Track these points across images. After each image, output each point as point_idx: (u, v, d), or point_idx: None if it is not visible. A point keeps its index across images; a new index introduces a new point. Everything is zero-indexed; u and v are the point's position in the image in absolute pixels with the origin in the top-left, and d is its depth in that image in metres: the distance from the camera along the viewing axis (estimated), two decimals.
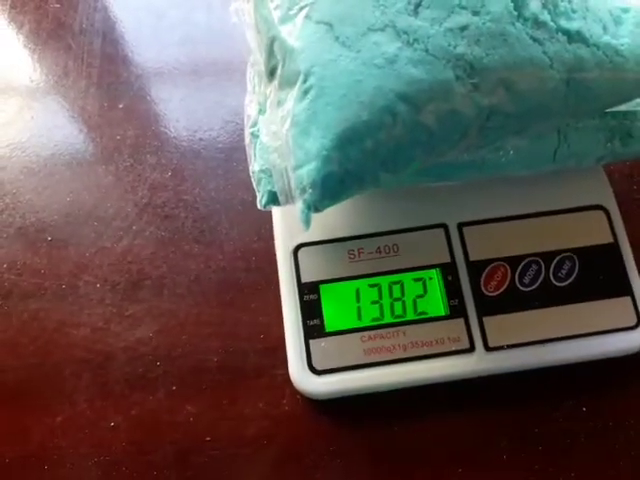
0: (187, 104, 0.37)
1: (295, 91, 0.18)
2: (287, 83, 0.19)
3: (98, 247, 0.32)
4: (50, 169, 0.35)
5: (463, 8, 0.20)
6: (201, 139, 0.36)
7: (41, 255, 0.32)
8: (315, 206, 0.19)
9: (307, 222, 0.20)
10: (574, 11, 0.22)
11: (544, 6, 0.21)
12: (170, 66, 0.39)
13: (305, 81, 0.18)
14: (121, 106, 0.37)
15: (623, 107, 0.27)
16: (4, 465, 0.28)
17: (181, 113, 0.37)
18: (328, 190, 0.19)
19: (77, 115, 0.36)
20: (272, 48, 0.19)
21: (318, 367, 0.27)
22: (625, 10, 0.24)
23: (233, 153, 0.35)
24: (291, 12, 0.19)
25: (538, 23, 0.21)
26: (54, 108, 0.37)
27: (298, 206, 0.19)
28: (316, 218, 0.30)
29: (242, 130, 0.35)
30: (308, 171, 0.18)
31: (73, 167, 0.35)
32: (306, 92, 0.18)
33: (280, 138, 0.19)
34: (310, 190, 0.18)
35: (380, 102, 0.18)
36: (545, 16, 0.21)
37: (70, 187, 0.34)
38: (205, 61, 0.39)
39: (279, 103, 0.19)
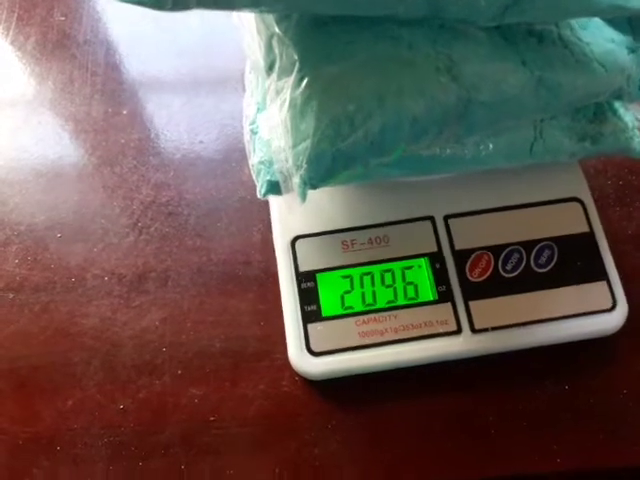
0: (187, 109, 0.39)
1: (292, 78, 0.21)
2: (284, 72, 0.21)
3: (105, 243, 0.34)
4: (58, 171, 0.37)
5: None
6: (201, 142, 0.38)
7: (51, 251, 0.34)
8: (310, 181, 0.21)
9: (303, 196, 0.22)
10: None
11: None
12: (170, 74, 0.41)
13: (301, 69, 0.21)
14: (125, 112, 0.39)
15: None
16: (18, 446, 0.29)
17: (181, 118, 0.39)
18: (322, 166, 0.21)
19: (83, 120, 0.38)
20: (271, 44, 0.22)
21: (315, 349, 0.29)
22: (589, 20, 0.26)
23: (231, 154, 0.37)
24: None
25: (511, 27, 0.23)
26: (60, 114, 0.39)
27: (295, 181, 0.21)
28: (312, 211, 0.32)
29: (239, 133, 0.38)
30: (304, 148, 0.20)
31: (80, 169, 0.37)
32: (301, 78, 0.20)
33: (279, 125, 0.21)
34: (305, 166, 0.21)
35: (368, 88, 0.20)
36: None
37: (77, 188, 0.36)
38: (203, 70, 0.41)
39: (277, 92, 0.21)
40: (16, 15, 0.42)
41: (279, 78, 0.21)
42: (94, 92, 0.39)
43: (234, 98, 0.39)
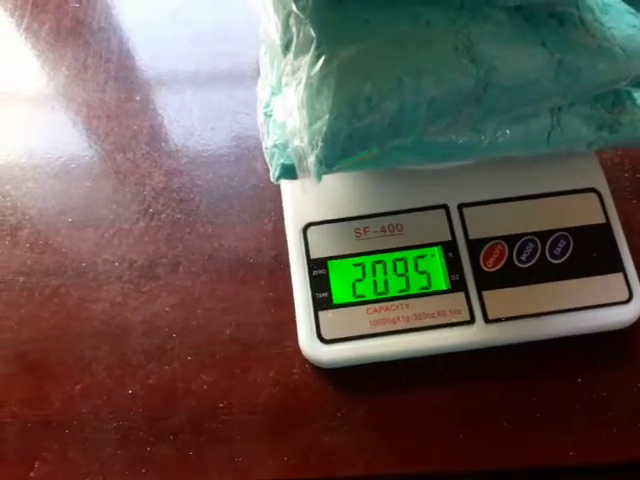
0: (199, 96, 0.39)
1: (309, 56, 0.20)
2: (301, 51, 0.21)
3: (117, 228, 0.34)
4: (70, 156, 0.37)
5: None
6: (213, 128, 0.37)
7: (62, 235, 0.34)
8: (326, 160, 0.21)
9: (319, 176, 0.21)
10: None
11: None
12: (183, 61, 0.41)
13: (318, 47, 0.20)
14: (138, 98, 0.39)
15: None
16: (27, 429, 0.29)
17: (194, 104, 0.38)
18: (337, 145, 0.21)
19: (96, 106, 0.38)
20: (288, 22, 0.21)
21: (326, 337, 0.29)
22: (610, 4, 0.26)
23: (243, 141, 0.37)
24: None
25: (532, 8, 0.23)
26: (74, 100, 0.39)
27: (310, 161, 0.21)
28: (324, 199, 0.32)
29: (252, 120, 0.37)
30: (319, 127, 0.20)
31: (92, 154, 0.37)
32: (319, 56, 0.20)
33: (295, 105, 0.21)
34: (321, 144, 0.20)
35: (386, 68, 0.20)
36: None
37: (89, 173, 0.36)
38: (216, 57, 0.41)
39: (293, 72, 0.21)
40: (31, 2, 0.42)
41: (295, 57, 0.21)
42: (107, 79, 0.39)
43: (247, 86, 0.39)
